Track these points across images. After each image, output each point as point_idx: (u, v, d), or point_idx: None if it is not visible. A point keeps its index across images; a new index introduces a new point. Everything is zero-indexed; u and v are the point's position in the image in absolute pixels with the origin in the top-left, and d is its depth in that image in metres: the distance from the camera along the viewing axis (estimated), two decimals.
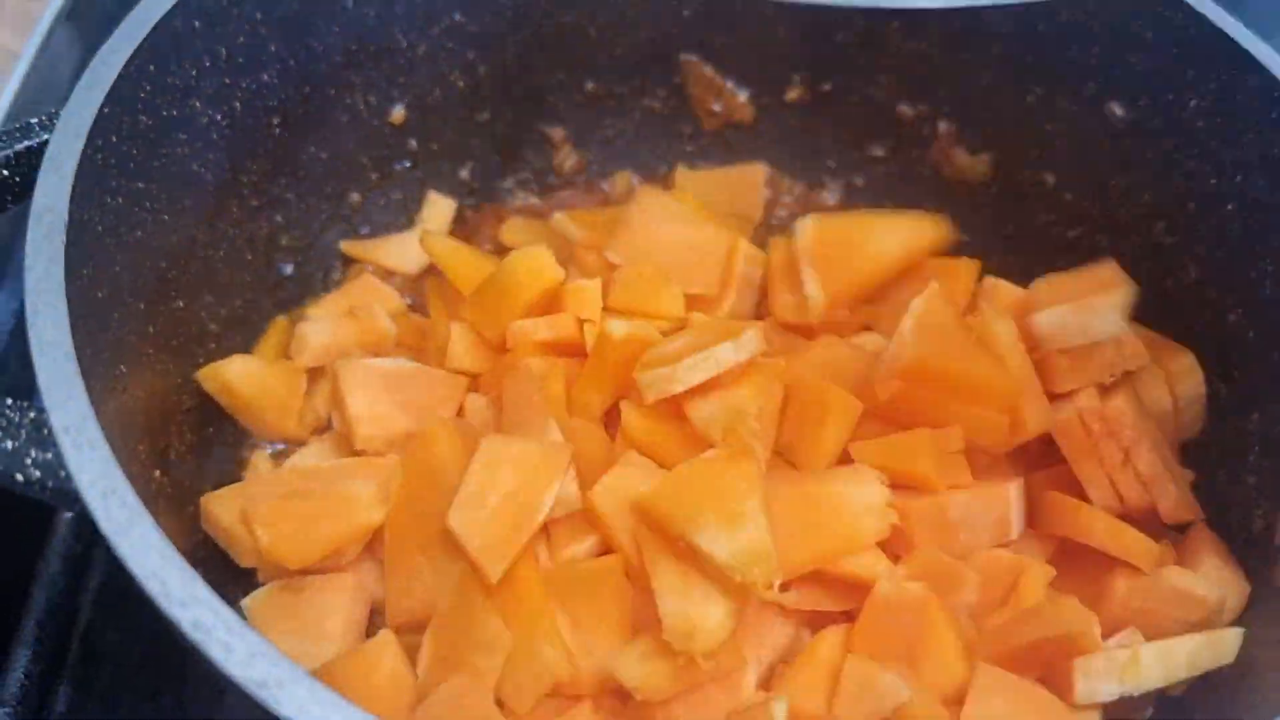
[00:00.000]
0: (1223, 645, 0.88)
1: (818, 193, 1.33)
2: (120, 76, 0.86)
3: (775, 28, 1.23)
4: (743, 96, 1.29)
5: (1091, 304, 0.99)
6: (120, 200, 0.87)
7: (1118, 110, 1.10)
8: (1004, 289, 1.04)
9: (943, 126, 1.24)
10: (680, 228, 1.06)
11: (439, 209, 1.26)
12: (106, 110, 0.84)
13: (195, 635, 0.62)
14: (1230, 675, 0.89)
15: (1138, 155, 1.09)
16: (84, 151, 0.81)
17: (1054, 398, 0.99)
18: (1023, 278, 1.11)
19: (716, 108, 1.30)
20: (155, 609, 0.64)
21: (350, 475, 0.95)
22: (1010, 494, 0.94)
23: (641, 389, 0.91)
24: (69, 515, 1.14)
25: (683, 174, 1.29)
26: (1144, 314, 1.03)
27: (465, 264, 1.08)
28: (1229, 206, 1.02)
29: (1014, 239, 1.24)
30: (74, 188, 0.79)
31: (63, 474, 0.68)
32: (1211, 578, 0.92)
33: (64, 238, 0.76)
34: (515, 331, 1.00)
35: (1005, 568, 0.93)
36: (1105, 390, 0.99)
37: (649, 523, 0.87)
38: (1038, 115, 1.16)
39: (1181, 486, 0.98)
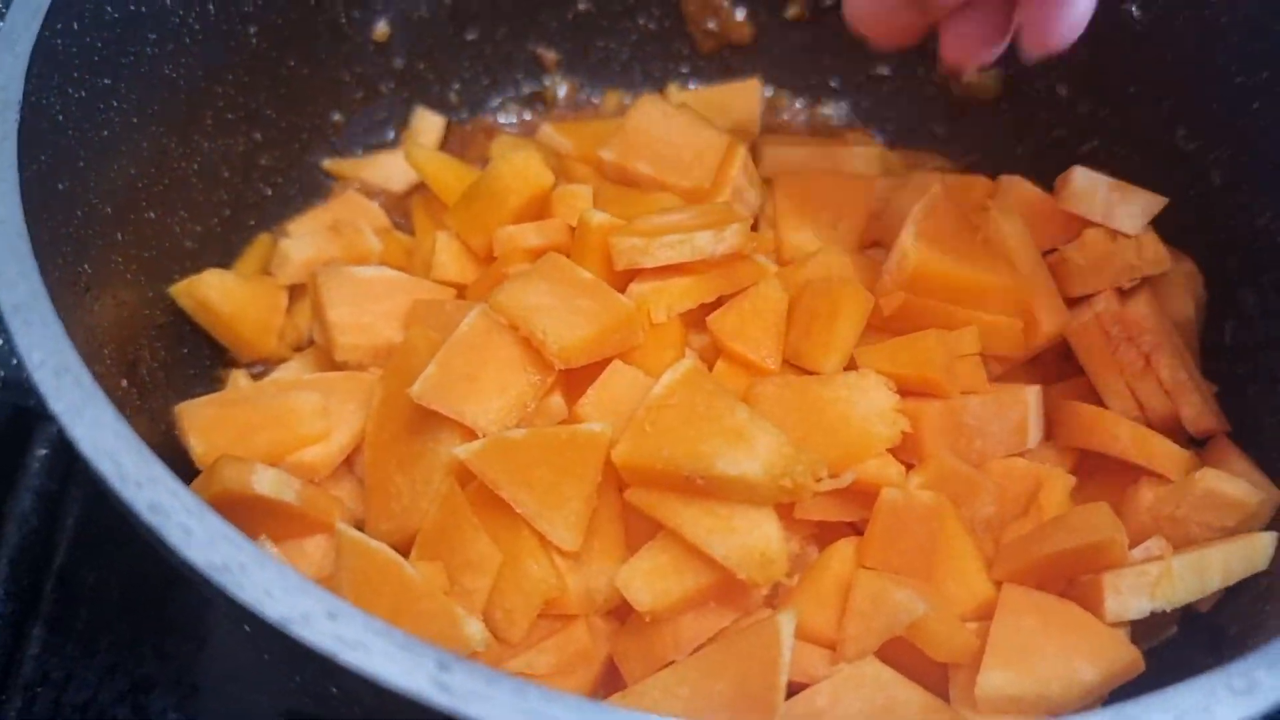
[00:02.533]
0: (1257, 551, 0.82)
1: (820, 112, 1.28)
2: None
3: None
4: (740, 14, 1.24)
5: (1125, 189, 0.94)
6: (84, 93, 0.84)
7: (1135, 10, 1.05)
8: (1020, 186, 0.98)
9: None
10: (679, 128, 1.01)
11: (428, 124, 1.21)
12: None
13: (152, 519, 0.57)
14: (1260, 588, 0.84)
15: (1157, 58, 1.04)
16: (40, 33, 0.77)
17: (1070, 303, 0.94)
18: None
19: (712, 26, 1.25)
20: (132, 545, 0.59)
21: (303, 388, 0.91)
22: (1028, 398, 0.89)
23: (614, 255, 0.87)
24: (44, 452, 1.10)
25: (675, 92, 1.24)
26: (1165, 224, 0.98)
27: (451, 175, 1.03)
28: (1255, 104, 0.97)
29: (1026, 158, 1.18)
30: (30, 69, 0.75)
31: (14, 362, 0.63)
32: (1245, 480, 0.87)
33: (17, 116, 0.73)
34: (502, 238, 0.95)
35: (1023, 477, 0.88)
36: (1124, 295, 0.94)
37: (643, 482, 0.81)
38: None
39: (1206, 395, 0.93)
